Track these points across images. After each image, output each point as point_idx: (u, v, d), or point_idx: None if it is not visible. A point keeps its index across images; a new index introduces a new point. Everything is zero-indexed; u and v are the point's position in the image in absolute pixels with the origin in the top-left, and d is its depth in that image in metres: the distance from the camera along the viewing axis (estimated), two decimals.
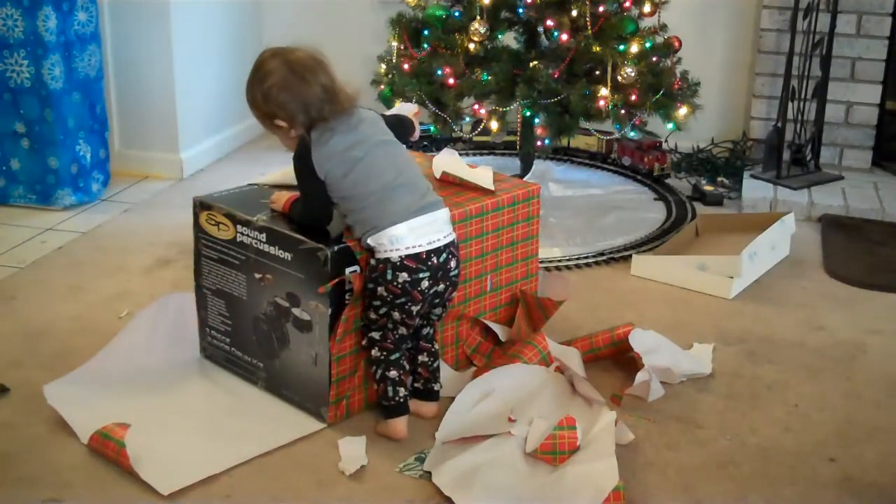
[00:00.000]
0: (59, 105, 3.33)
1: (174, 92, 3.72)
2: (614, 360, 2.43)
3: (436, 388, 2.20)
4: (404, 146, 2.17)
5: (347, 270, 2.07)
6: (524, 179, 3.50)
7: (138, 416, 2.10)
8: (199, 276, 2.35)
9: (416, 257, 2.04)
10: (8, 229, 3.25)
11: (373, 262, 2.07)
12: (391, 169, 2.07)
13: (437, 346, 2.21)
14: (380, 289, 2.05)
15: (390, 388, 2.08)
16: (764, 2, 3.94)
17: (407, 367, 2.13)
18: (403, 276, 2.04)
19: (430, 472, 1.98)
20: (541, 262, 2.97)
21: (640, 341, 2.37)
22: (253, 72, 2.17)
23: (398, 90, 3.30)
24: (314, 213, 2.13)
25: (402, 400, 2.09)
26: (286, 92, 2.07)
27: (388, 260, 2.04)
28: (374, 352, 2.10)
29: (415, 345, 2.18)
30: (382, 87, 3.40)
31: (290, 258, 2.11)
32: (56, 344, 2.42)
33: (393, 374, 2.09)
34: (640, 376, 2.26)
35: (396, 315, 2.07)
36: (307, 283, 2.09)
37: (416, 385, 2.19)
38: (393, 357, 2.09)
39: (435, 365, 2.20)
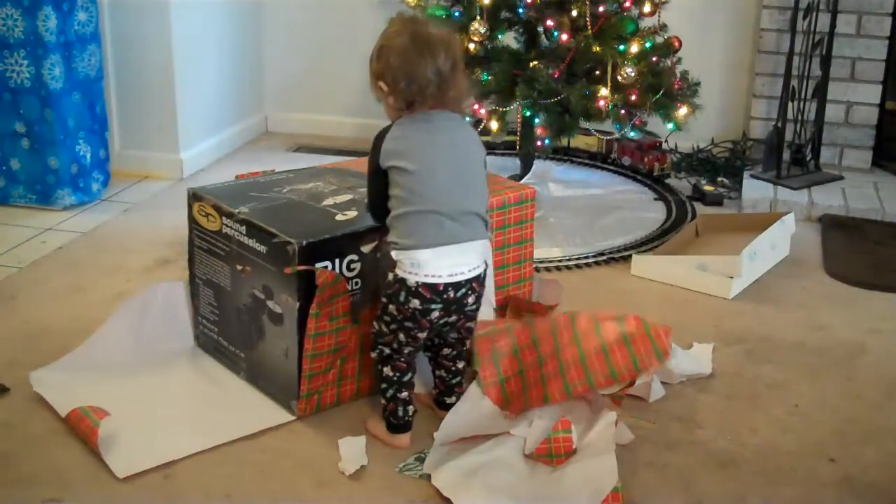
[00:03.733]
0: (59, 105, 3.33)
1: (174, 92, 3.72)
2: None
3: (447, 402, 2.16)
4: (483, 167, 2.05)
5: (317, 265, 2.07)
6: (524, 179, 3.51)
7: (118, 402, 2.14)
8: (192, 266, 2.40)
9: (431, 287, 1.94)
10: (8, 229, 3.25)
11: (391, 276, 1.98)
12: (445, 191, 1.95)
13: (459, 366, 2.14)
14: (391, 306, 1.99)
15: (401, 409, 2.06)
16: (764, 2, 3.94)
17: (414, 384, 2.11)
18: (415, 302, 1.95)
19: (423, 470, 1.98)
20: (540, 263, 2.98)
21: None
22: (383, 31, 2.04)
23: None
24: (368, 202, 2.09)
25: (410, 418, 2.08)
26: (399, 57, 1.94)
27: (404, 281, 1.95)
28: (388, 370, 2.05)
29: (435, 359, 2.15)
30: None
31: (265, 251, 2.13)
32: (56, 344, 2.42)
33: (404, 394, 2.07)
34: (642, 377, 2.26)
35: (402, 336, 2.02)
36: (279, 276, 2.11)
37: (432, 391, 2.19)
38: (406, 378, 2.07)
39: (453, 381, 2.15)
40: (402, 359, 2.05)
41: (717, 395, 2.33)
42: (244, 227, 2.19)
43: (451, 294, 1.96)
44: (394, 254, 1.96)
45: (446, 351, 2.13)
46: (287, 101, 4.45)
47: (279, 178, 2.51)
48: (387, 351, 2.05)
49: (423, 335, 2.02)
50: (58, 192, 3.41)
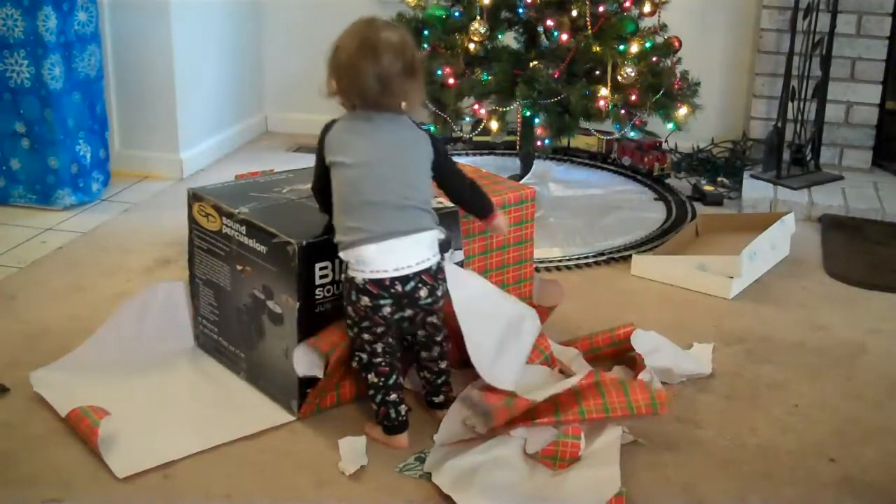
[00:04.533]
0: (59, 105, 3.33)
1: (174, 92, 3.72)
2: (614, 359, 2.43)
3: (436, 401, 2.15)
4: (426, 164, 2.04)
5: (317, 265, 2.07)
6: (524, 179, 3.51)
7: (119, 402, 2.14)
8: (192, 266, 2.40)
9: (378, 283, 1.96)
10: (8, 229, 3.25)
11: (343, 276, 2.03)
12: (383, 185, 1.96)
13: (442, 366, 2.13)
14: (348, 308, 2.02)
15: (392, 411, 2.06)
16: (764, 2, 3.94)
17: (402, 383, 2.10)
18: (365, 300, 1.97)
19: (424, 469, 1.98)
20: (540, 263, 2.98)
21: (642, 342, 2.37)
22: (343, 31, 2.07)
23: None
24: (313, 190, 2.14)
25: (404, 418, 2.08)
26: (346, 58, 1.98)
27: (353, 280, 1.98)
28: (371, 377, 2.05)
29: (417, 361, 2.15)
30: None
31: (265, 251, 2.14)
32: (56, 344, 2.42)
33: (392, 397, 2.06)
34: (642, 377, 2.26)
35: (366, 336, 2.02)
36: (279, 276, 2.11)
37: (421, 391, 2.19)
38: (391, 381, 2.06)
39: (439, 381, 2.14)
40: (382, 362, 2.05)
41: (717, 395, 2.33)
42: (244, 228, 2.19)
43: (399, 288, 1.97)
44: (341, 254, 1.99)
45: (424, 354, 2.12)
46: (287, 101, 4.45)
47: (279, 178, 2.51)
48: (364, 357, 2.05)
49: (381, 330, 2.02)
50: (58, 192, 3.41)
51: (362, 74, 1.95)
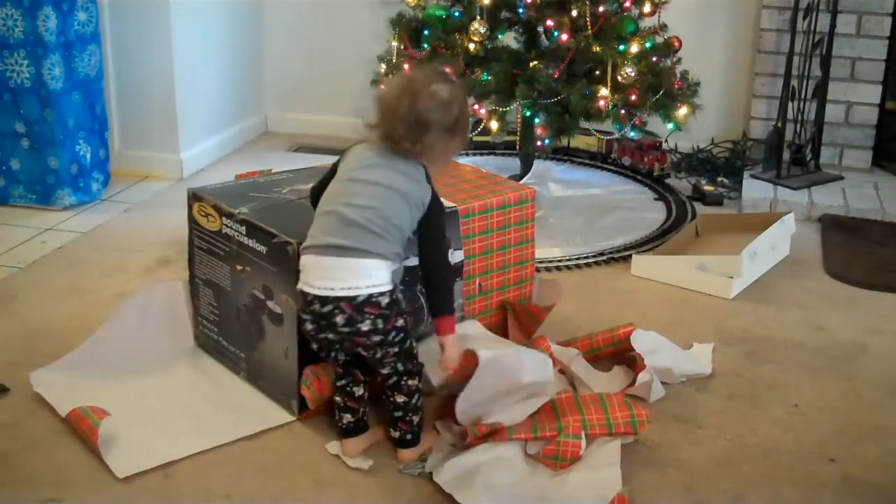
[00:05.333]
0: (59, 105, 3.33)
1: (174, 92, 3.72)
2: (614, 359, 2.43)
3: (393, 435, 2.05)
4: (409, 213, 1.95)
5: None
6: (524, 179, 3.51)
7: (119, 402, 2.15)
8: (192, 266, 2.40)
9: (303, 296, 1.92)
10: (8, 229, 3.25)
11: None
12: (344, 196, 1.94)
13: (398, 400, 2.01)
14: None
15: (336, 412, 2.06)
16: (764, 2, 3.94)
17: (357, 393, 2.04)
18: (299, 306, 1.97)
19: (425, 469, 1.98)
20: (540, 263, 2.97)
21: (642, 342, 2.37)
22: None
23: None
24: (310, 193, 2.13)
25: (343, 426, 2.05)
26: (389, 93, 1.97)
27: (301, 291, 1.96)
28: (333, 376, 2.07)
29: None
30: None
31: (265, 251, 2.14)
32: (56, 344, 2.42)
33: (337, 398, 2.05)
34: (642, 377, 2.27)
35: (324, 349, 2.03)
36: (279, 276, 2.11)
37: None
38: (339, 383, 2.04)
39: (395, 415, 2.02)
40: (339, 364, 2.04)
41: (717, 395, 2.33)
42: (244, 228, 2.19)
43: (317, 307, 1.90)
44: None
45: (379, 379, 2.02)
46: (287, 101, 4.45)
47: (279, 178, 2.51)
48: (322, 354, 2.05)
49: (315, 345, 2.00)
50: (58, 192, 3.41)
51: (396, 112, 1.93)
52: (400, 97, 1.93)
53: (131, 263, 2.98)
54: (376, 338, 1.93)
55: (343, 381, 2.04)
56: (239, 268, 2.23)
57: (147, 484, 1.93)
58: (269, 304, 2.16)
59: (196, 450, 2.03)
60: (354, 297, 1.89)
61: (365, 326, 1.91)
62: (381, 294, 1.90)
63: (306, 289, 1.91)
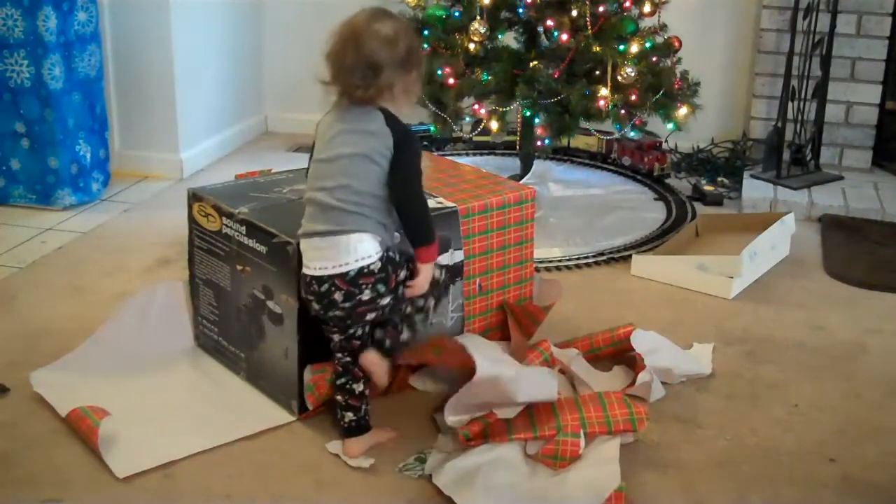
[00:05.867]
0: (59, 105, 3.33)
1: (174, 92, 3.72)
2: (614, 359, 2.43)
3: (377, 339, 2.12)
4: (374, 165, 1.94)
5: None
6: (524, 179, 3.51)
7: (119, 402, 2.15)
8: (192, 266, 2.40)
9: (304, 278, 1.98)
10: (8, 229, 3.25)
11: None
12: (319, 185, 1.96)
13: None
14: None
15: (338, 412, 2.06)
16: (764, 2, 3.94)
17: (356, 390, 2.04)
18: (303, 290, 2.00)
19: (424, 471, 1.98)
20: (540, 263, 2.98)
21: (642, 342, 2.37)
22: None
23: None
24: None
25: (345, 425, 2.05)
26: (334, 43, 1.96)
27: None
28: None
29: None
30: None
31: (265, 251, 2.14)
32: (56, 344, 2.42)
33: (338, 397, 2.05)
34: (642, 377, 2.27)
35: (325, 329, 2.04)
36: (279, 276, 2.11)
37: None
38: (338, 382, 2.05)
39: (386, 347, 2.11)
40: (336, 360, 2.05)
41: (717, 395, 2.33)
42: (244, 227, 2.19)
43: (316, 287, 1.96)
44: None
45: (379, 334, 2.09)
46: (287, 101, 4.45)
47: (279, 178, 2.51)
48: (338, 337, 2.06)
49: (326, 326, 2.03)
50: (58, 192, 3.41)
51: (344, 62, 1.93)
52: (344, 47, 1.93)
53: (131, 263, 2.98)
54: (384, 301, 1.99)
55: (343, 380, 2.04)
56: (239, 268, 2.23)
57: (147, 484, 1.93)
58: (269, 304, 2.16)
59: (196, 450, 2.03)
60: (346, 273, 1.93)
61: (365, 296, 1.96)
62: (371, 263, 1.95)
63: (306, 271, 1.97)
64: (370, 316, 2.00)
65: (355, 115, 1.98)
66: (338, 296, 1.94)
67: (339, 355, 2.05)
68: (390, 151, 1.96)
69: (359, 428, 2.05)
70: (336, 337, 2.04)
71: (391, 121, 1.97)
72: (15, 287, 2.81)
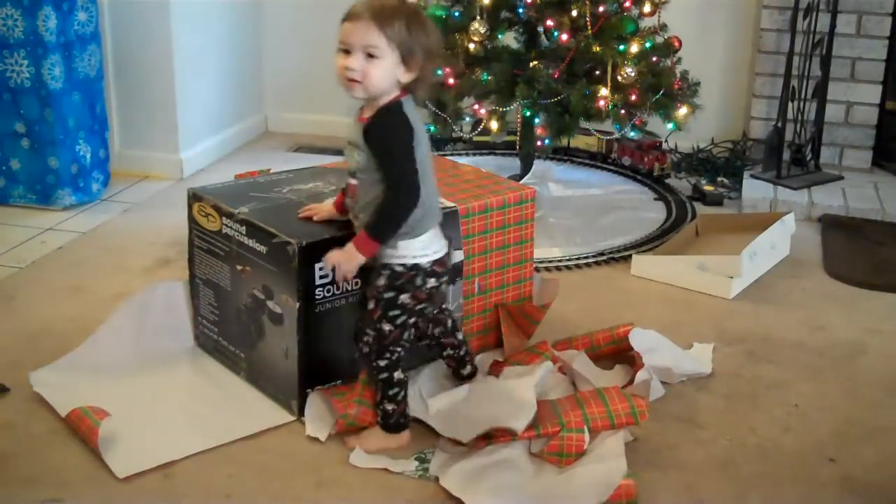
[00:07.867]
0: (59, 105, 3.33)
1: (174, 92, 3.72)
2: (614, 359, 2.43)
3: (464, 373, 2.25)
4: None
5: (316, 266, 2.07)
6: (524, 179, 3.51)
7: (119, 402, 2.15)
8: (192, 266, 2.40)
9: (441, 262, 2.02)
10: (8, 229, 3.25)
11: (398, 269, 1.97)
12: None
13: (460, 337, 2.24)
14: (403, 296, 1.99)
15: (408, 408, 2.07)
16: (764, 2, 3.94)
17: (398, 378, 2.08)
18: (432, 281, 2.01)
19: (429, 473, 1.98)
20: (540, 263, 2.98)
21: (640, 341, 2.37)
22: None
23: None
24: (415, 188, 1.93)
25: (381, 419, 2.07)
26: (436, 39, 1.97)
27: (417, 266, 1.97)
28: (398, 374, 2.04)
29: (437, 344, 2.22)
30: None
31: (265, 251, 2.14)
32: (56, 344, 2.42)
33: (407, 392, 2.07)
34: (641, 376, 2.26)
35: (412, 321, 2.03)
36: (279, 276, 2.11)
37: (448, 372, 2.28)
38: (405, 376, 2.07)
39: (461, 353, 2.24)
40: (403, 360, 2.07)
41: (717, 395, 2.33)
42: (244, 227, 2.19)
43: (448, 262, 2.07)
44: (401, 243, 1.96)
45: (438, 329, 2.20)
46: (287, 101, 4.45)
47: (279, 178, 2.51)
48: (398, 352, 2.04)
49: (433, 310, 2.13)
50: (58, 192, 3.41)
51: (434, 38, 1.96)
52: (432, 25, 1.98)
53: (131, 263, 2.98)
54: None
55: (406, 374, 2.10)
56: (239, 268, 2.23)
57: (147, 484, 1.93)
58: (269, 303, 2.16)
59: (196, 450, 2.03)
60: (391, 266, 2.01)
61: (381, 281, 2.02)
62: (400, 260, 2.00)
63: (440, 254, 2.02)
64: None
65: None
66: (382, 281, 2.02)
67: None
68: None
69: (396, 426, 2.06)
70: (407, 340, 2.06)
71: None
72: (15, 287, 2.81)
